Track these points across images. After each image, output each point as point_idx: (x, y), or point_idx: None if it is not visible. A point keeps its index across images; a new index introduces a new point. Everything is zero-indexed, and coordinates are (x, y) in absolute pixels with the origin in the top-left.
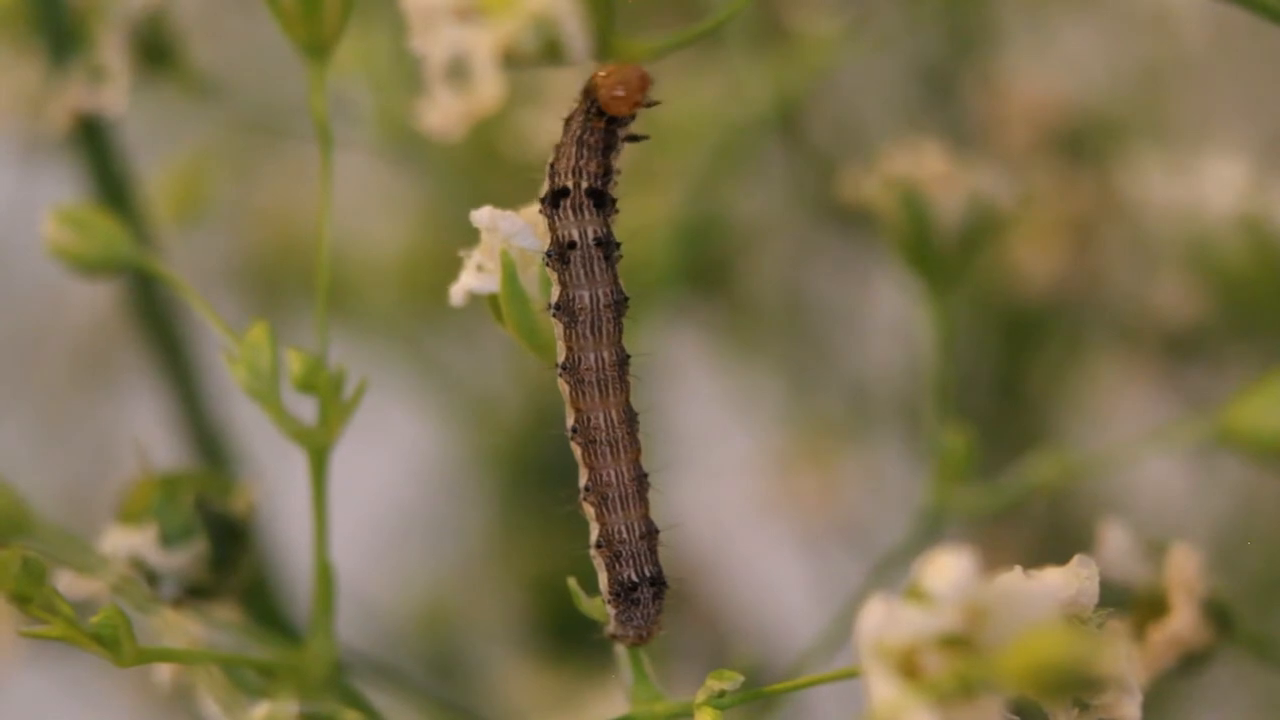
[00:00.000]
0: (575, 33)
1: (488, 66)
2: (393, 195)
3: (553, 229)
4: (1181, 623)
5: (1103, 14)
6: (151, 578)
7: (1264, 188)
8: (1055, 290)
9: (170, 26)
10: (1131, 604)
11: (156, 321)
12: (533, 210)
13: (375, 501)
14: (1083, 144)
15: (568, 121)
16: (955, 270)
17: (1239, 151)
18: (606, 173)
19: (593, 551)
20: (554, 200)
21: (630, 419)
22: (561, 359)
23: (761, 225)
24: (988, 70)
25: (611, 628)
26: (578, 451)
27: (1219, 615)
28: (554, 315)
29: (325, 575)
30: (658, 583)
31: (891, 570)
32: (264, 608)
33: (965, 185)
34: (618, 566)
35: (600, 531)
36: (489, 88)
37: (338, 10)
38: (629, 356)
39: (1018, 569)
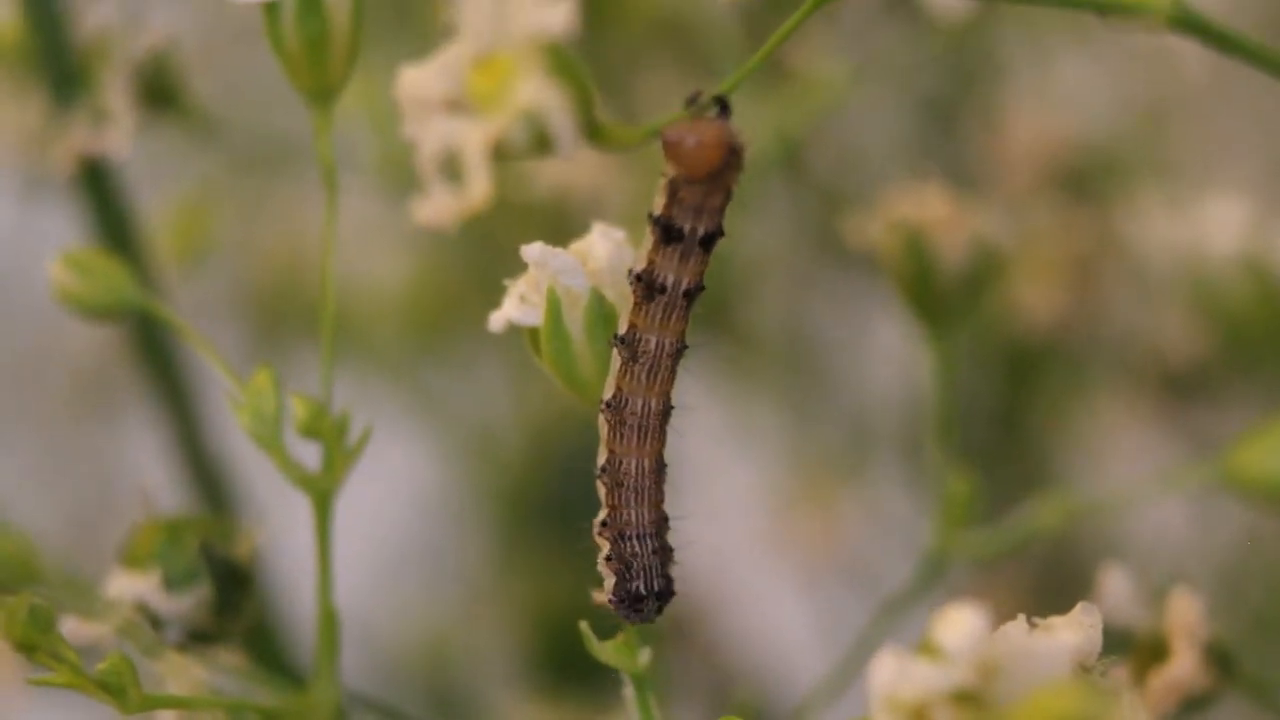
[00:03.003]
0: (564, 126)
1: (479, 163)
2: (394, 228)
3: (650, 260)
4: (1182, 668)
5: (1104, 50)
6: (156, 622)
7: (1265, 227)
8: (1057, 327)
9: (174, 67)
10: (1132, 649)
11: (157, 355)
12: (581, 247)
13: (376, 535)
14: (1085, 181)
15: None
16: (958, 314)
17: (1240, 190)
18: (720, 221)
19: (596, 536)
20: (666, 237)
21: (660, 469)
22: (609, 396)
23: (763, 260)
24: (990, 107)
25: (609, 599)
26: (602, 491)
27: (1220, 659)
28: (616, 347)
29: (329, 621)
30: (664, 596)
31: (896, 614)
32: (268, 651)
33: (968, 229)
34: (628, 576)
35: (608, 515)
36: (480, 185)
37: (344, 55)
38: (673, 408)
39: (1023, 621)
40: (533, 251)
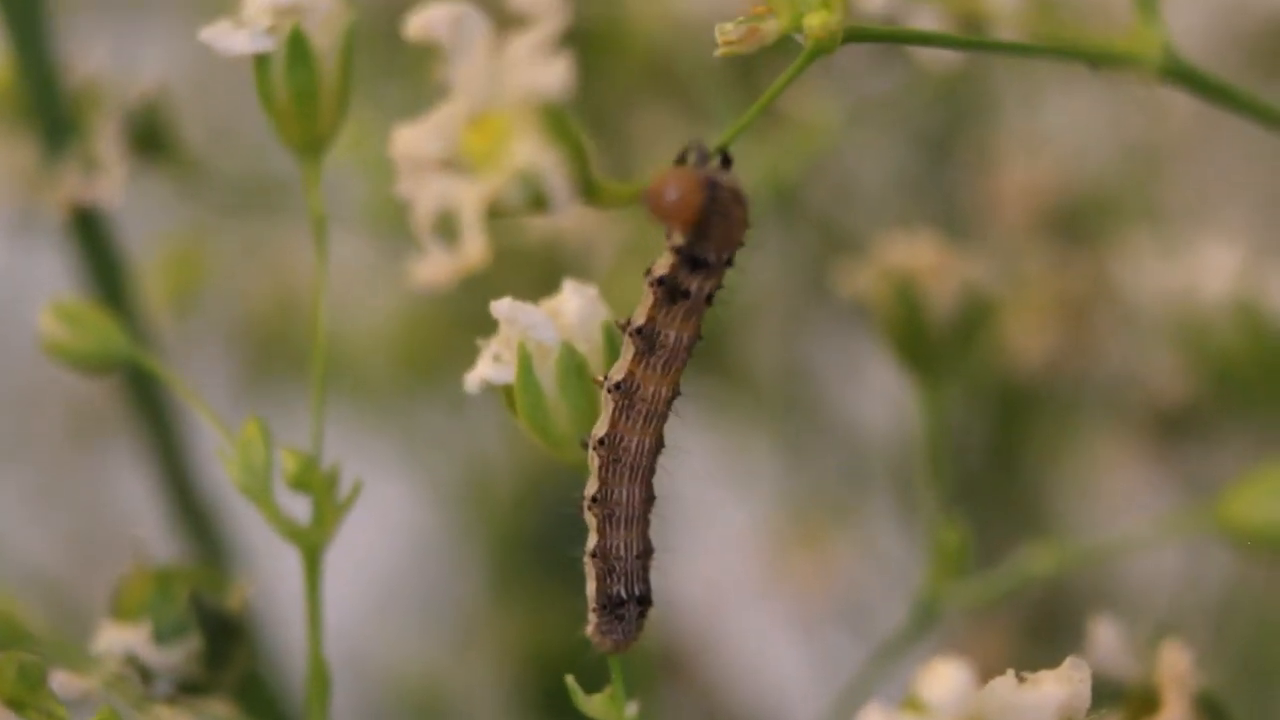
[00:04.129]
0: (560, 186)
1: (474, 223)
2: (384, 267)
3: (651, 318)
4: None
5: (1096, 90)
6: (146, 675)
7: (1257, 270)
8: (1049, 368)
9: (166, 115)
10: (1123, 700)
11: (147, 399)
12: (553, 303)
13: (367, 574)
14: (1077, 223)
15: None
16: (949, 363)
17: (1232, 232)
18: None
19: (586, 560)
20: (670, 298)
21: (649, 500)
22: (601, 433)
23: (757, 298)
24: (983, 146)
25: (591, 633)
26: (592, 521)
27: (1211, 710)
28: (609, 391)
29: (320, 675)
30: (644, 601)
31: (889, 659)
32: (259, 701)
33: (959, 277)
34: (609, 580)
35: (597, 543)
36: (475, 245)
37: (333, 107)
38: (664, 446)
39: (1011, 675)
40: (502, 308)
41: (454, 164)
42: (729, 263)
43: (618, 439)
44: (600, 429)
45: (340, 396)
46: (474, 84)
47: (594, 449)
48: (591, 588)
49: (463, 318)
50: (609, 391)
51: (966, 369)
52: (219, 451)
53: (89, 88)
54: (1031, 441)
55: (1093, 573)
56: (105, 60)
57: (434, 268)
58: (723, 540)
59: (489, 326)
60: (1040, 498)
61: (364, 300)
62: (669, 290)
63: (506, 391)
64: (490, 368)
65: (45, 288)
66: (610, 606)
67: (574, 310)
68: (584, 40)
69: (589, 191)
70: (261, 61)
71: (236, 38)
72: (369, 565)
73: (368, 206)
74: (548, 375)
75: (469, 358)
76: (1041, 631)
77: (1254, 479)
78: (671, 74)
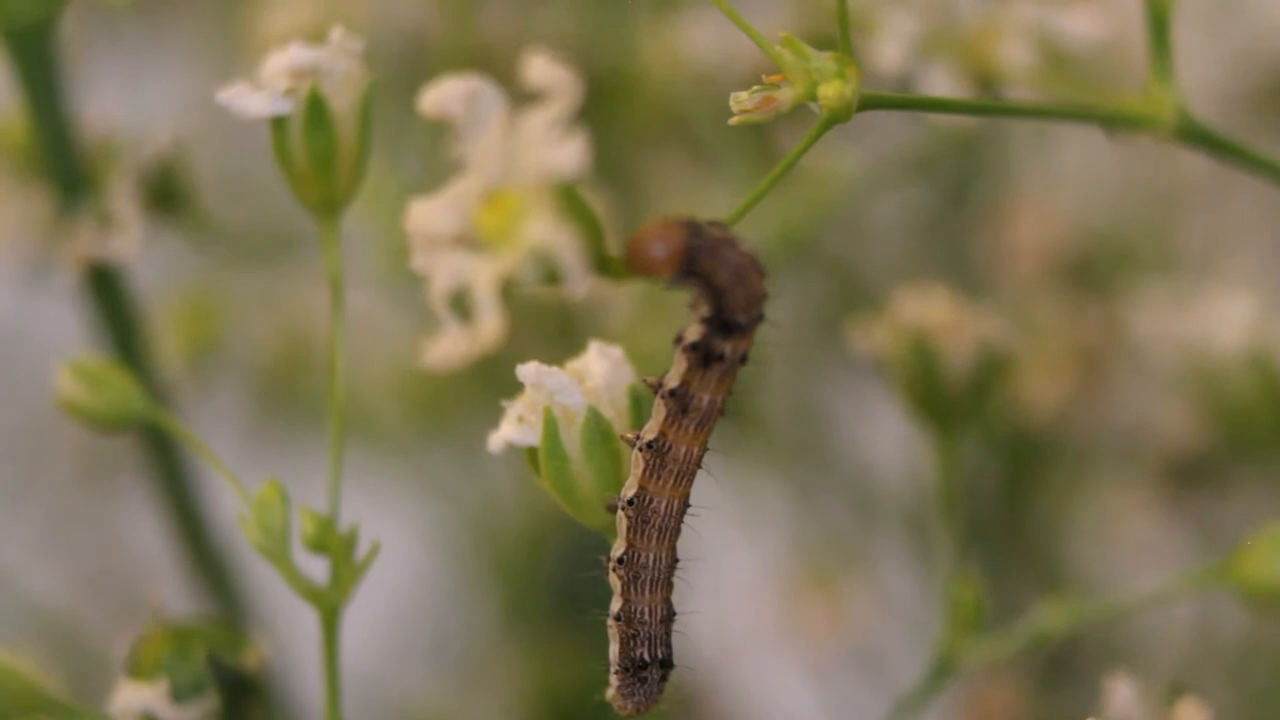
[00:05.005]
0: (574, 265)
1: (489, 301)
2: (398, 311)
3: (685, 381)
4: None
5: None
6: None
7: (1270, 321)
8: (1062, 417)
9: (181, 172)
10: None
11: (161, 446)
12: (578, 366)
13: (379, 617)
14: (1091, 272)
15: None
16: (963, 418)
17: (1245, 281)
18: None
19: (610, 623)
20: (704, 361)
21: (674, 564)
22: (631, 494)
23: (769, 341)
24: (998, 194)
25: (613, 696)
26: (618, 584)
27: None
28: (640, 451)
29: None
30: (666, 664)
31: (905, 715)
32: None
33: (973, 333)
34: (633, 644)
35: (621, 607)
36: (491, 324)
37: (351, 169)
38: (689, 506)
39: None
40: (528, 372)
41: (468, 240)
42: (760, 319)
43: (647, 500)
44: (630, 489)
45: (354, 440)
46: (488, 161)
47: (623, 509)
48: (614, 650)
49: (476, 362)
50: (640, 451)
51: (981, 421)
52: (238, 516)
53: (103, 142)
54: (1045, 489)
55: (1105, 623)
56: (118, 112)
57: (449, 347)
58: (736, 584)
59: (501, 371)
60: (1054, 545)
61: (377, 345)
62: (703, 356)
63: (530, 454)
64: (514, 430)
65: (57, 327)
66: (634, 669)
67: (600, 374)
68: (597, 89)
69: (603, 267)
70: (279, 123)
71: (254, 100)
72: (380, 607)
73: (381, 254)
74: (573, 440)
75: (481, 403)
76: (1053, 679)
77: (1267, 537)
78: (684, 123)
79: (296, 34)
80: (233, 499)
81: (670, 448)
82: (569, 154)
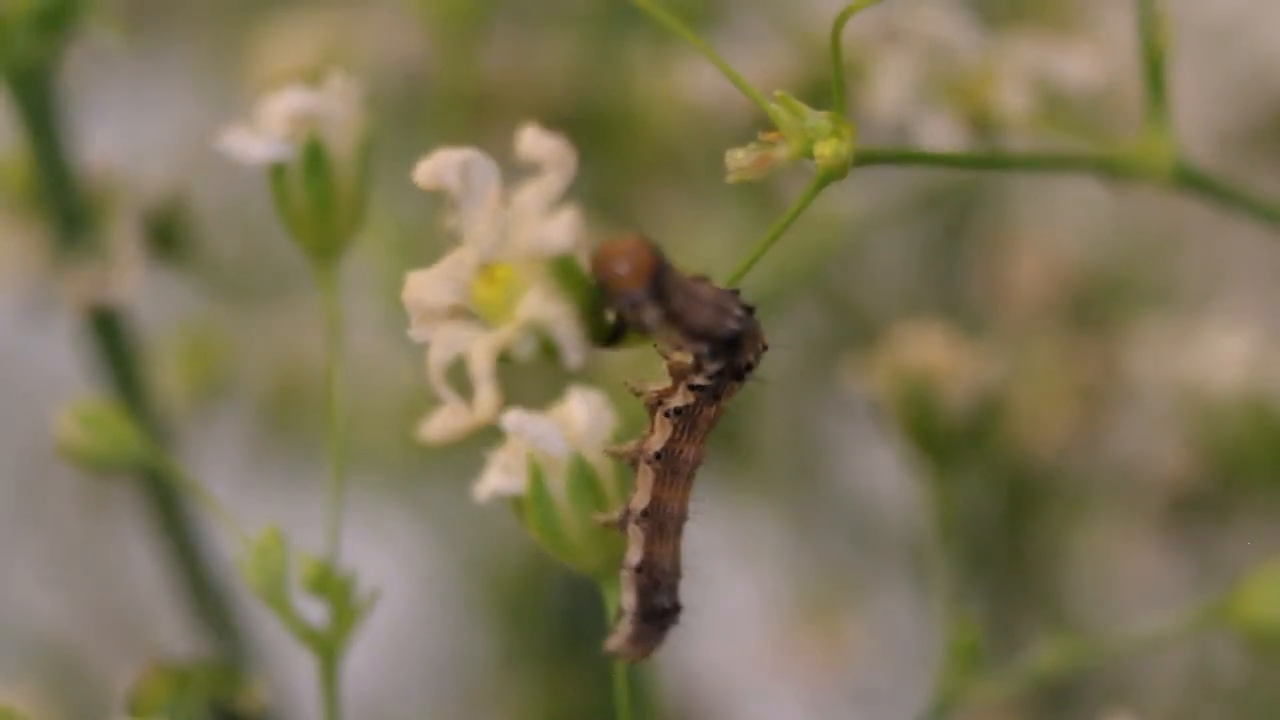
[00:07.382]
0: (570, 337)
1: (485, 376)
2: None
3: (689, 392)
4: None
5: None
6: None
7: (1267, 358)
8: (1061, 453)
9: (182, 213)
10: None
11: (159, 484)
12: (561, 413)
13: (377, 642)
14: (1089, 308)
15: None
16: (961, 458)
17: (1243, 317)
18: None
19: (626, 574)
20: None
21: (684, 517)
22: (643, 505)
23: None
24: (995, 231)
25: (621, 644)
26: (640, 536)
27: None
28: (648, 462)
29: None
30: (679, 610)
31: None
32: None
33: (971, 374)
34: (654, 593)
35: (642, 558)
36: (487, 399)
37: (351, 213)
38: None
39: None
40: (510, 420)
41: (465, 311)
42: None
43: (677, 451)
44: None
45: (351, 467)
46: (483, 236)
47: (648, 464)
48: (632, 600)
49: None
50: (648, 463)
51: (979, 459)
52: (236, 558)
53: (104, 182)
54: (1043, 524)
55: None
56: (117, 147)
57: (447, 423)
58: (734, 617)
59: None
60: (1052, 579)
61: (376, 379)
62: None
63: (516, 502)
64: (500, 478)
65: (59, 359)
66: (654, 617)
67: (582, 420)
68: (594, 127)
69: (599, 337)
70: (278, 168)
71: (252, 145)
72: (380, 638)
73: (380, 294)
74: (558, 487)
75: (479, 430)
76: (1051, 715)
77: (1265, 577)
78: (680, 160)
79: (295, 74)
80: (232, 537)
81: (680, 454)
82: (561, 228)
